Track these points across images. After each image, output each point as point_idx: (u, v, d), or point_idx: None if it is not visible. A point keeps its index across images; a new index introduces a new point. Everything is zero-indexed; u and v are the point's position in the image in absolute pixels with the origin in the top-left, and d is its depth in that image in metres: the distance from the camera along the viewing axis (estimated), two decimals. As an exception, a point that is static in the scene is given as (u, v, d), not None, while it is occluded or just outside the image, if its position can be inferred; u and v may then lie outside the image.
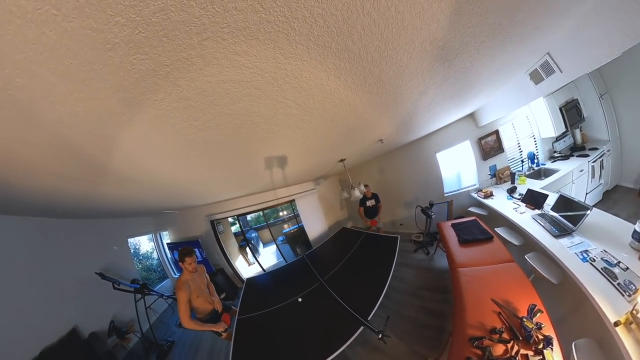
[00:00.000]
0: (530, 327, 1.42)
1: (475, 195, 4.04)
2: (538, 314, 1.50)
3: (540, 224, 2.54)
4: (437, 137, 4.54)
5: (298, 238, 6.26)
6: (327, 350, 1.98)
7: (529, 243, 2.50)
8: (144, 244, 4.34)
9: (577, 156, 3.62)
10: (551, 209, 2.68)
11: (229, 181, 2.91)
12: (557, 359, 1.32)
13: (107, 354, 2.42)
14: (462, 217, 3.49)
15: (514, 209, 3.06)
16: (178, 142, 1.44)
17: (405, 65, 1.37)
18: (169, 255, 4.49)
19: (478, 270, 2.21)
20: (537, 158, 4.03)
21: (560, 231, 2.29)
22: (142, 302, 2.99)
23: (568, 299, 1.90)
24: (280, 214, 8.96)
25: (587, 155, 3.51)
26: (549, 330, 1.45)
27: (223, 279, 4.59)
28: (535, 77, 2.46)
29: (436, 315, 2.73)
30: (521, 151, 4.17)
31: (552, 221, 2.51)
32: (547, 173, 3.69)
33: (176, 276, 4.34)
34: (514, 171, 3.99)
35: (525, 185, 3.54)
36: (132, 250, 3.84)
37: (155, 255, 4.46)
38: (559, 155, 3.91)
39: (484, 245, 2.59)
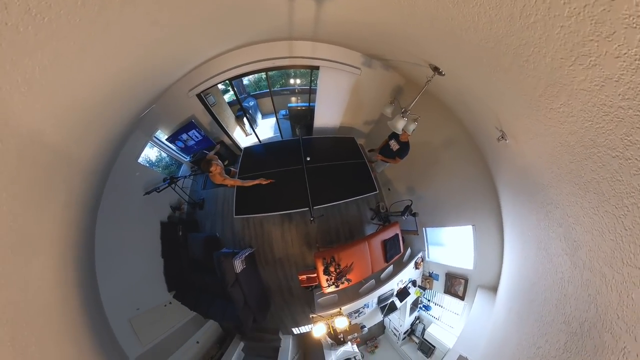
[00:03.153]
0: (342, 277, 3.34)
1: (419, 255, 4.84)
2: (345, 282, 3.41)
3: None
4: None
5: (302, 119, 5.68)
6: (287, 207, 3.75)
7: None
8: (150, 153, 4.90)
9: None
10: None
11: (211, 23, 1.75)
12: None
13: (179, 219, 4.91)
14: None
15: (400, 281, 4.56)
16: None
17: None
18: (173, 147, 5.04)
19: (366, 252, 3.88)
20: (428, 304, 4.84)
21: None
22: (177, 187, 4.59)
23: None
24: (291, 81, 6.75)
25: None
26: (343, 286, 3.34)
27: (224, 149, 5.19)
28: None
29: (336, 235, 4.74)
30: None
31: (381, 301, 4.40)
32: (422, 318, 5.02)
33: (187, 159, 5.28)
34: (423, 283, 4.80)
35: (414, 295, 4.70)
36: (147, 165, 4.70)
37: (163, 154, 5.20)
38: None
39: (383, 255, 4.13)
